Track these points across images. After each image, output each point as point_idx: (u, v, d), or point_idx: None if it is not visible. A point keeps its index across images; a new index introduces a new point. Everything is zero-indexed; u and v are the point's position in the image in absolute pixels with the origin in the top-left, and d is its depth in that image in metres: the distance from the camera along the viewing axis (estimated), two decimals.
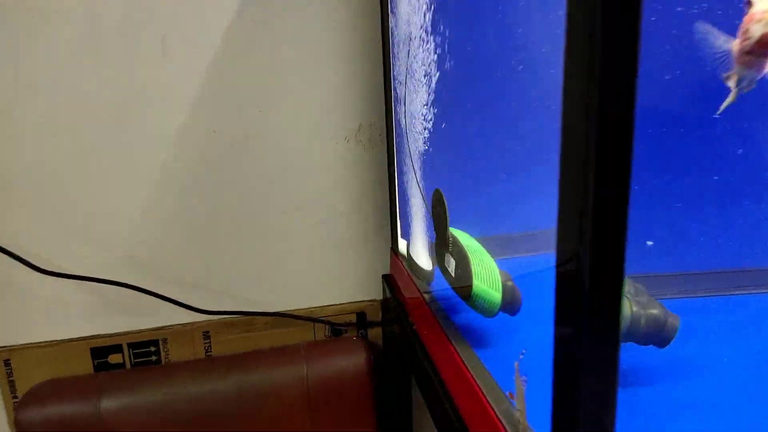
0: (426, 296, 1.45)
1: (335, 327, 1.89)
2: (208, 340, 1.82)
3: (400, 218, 1.66)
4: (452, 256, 1.18)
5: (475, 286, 1.09)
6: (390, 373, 1.89)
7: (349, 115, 1.71)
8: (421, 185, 1.45)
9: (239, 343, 1.85)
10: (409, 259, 1.59)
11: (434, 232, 1.27)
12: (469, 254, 1.12)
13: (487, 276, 1.11)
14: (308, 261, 1.83)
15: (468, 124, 1.08)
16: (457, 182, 1.42)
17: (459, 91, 1.07)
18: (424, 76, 1.27)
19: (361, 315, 1.91)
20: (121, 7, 1.51)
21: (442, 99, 1.19)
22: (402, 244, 1.68)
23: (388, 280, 1.83)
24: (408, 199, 1.58)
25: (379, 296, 1.92)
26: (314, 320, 1.87)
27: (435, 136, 1.29)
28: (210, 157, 1.65)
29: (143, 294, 1.67)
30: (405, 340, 1.64)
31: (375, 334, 1.94)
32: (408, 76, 1.41)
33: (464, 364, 1.14)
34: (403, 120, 1.49)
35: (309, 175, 1.74)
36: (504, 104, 0.85)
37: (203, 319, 1.80)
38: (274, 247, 1.79)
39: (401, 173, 1.60)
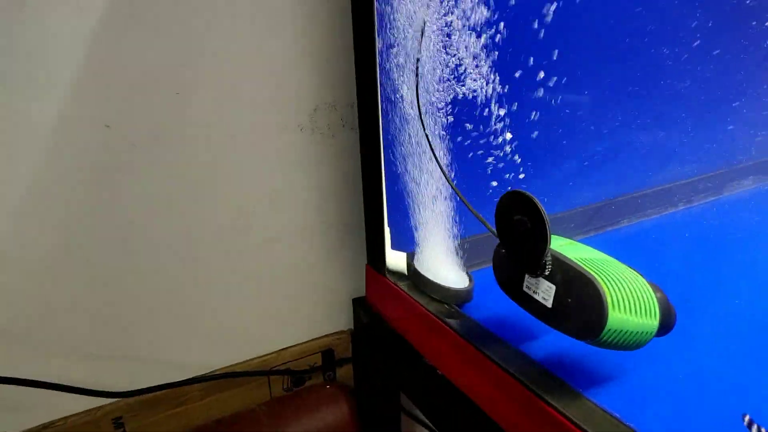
0: (453, 323, 1.10)
1: (296, 375, 1.44)
2: (122, 429, 1.25)
3: (389, 224, 1.27)
4: (550, 279, 0.85)
5: (614, 319, 0.78)
6: (375, 420, 1.50)
7: (303, 95, 1.27)
8: (448, 176, 1.08)
9: (169, 425, 1.31)
10: (415, 275, 1.22)
11: (501, 247, 0.93)
12: (593, 274, 0.80)
13: (629, 298, 0.80)
14: (254, 295, 1.35)
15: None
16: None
17: None
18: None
19: (327, 353, 1.48)
20: None
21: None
22: (395, 258, 1.29)
23: (362, 304, 1.44)
24: (411, 196, 1.20)
25: (349, 325, 1.51)
26: (269, 372, 1.40)
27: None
28: (103, 164, 1.09)
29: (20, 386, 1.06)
30: (407, 382, 1.27)
31: (345, 372, 1.53)
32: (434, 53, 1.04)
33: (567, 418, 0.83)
34: (407, 99, 1.11)
35: (249, 180, 1.26)
36: None
37: (111, 402, 1.23)
38: (206, 283, 1.28)
39: (390, 164, 1.22)
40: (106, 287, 1.15)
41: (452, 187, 1.06)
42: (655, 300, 0.82)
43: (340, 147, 1.34)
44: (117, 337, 1.20)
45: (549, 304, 0.86)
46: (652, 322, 0.82)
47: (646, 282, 0.83)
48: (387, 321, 1.33)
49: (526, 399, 0.92)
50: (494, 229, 0.96)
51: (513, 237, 0.88)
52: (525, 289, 0.90)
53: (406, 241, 1.31)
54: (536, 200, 0.80)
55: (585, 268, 0.81)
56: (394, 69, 1.14)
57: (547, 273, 0.84)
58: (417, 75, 1.05)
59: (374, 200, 1.28)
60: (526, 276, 0.90)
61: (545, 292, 0.86)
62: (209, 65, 1.14)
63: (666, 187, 1.72)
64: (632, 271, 0.84)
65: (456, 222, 1.18)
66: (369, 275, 1.38)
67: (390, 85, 1.16)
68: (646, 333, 0.82)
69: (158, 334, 1.25)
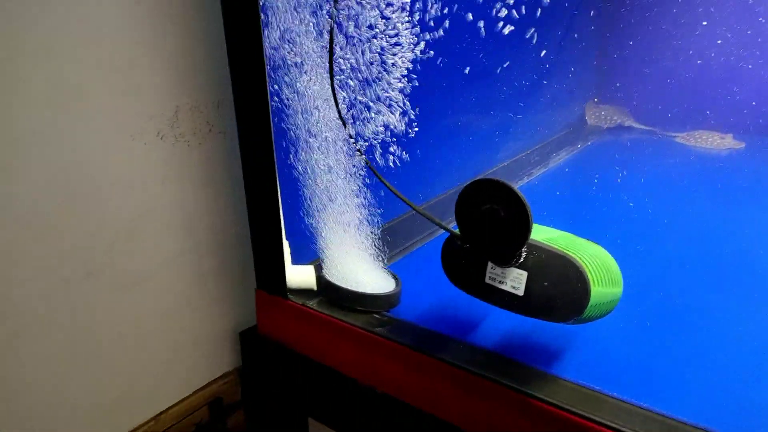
0: (387, 332, 1.01)
1: None
2: None
3: (288, 235, 1.10)
4: (521, 266, 0.80)
5: (596, 293, 0.77)
6: None
7: (159, 95, 1.01)
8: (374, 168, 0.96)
9: None
10: (329, 289, 1.08)
11: (457, 240, 0.85)
12: (570, 254, 0.78)
13: (602, 270, 0.80)
14: (116, 356, 1.05)
15: None
16: None
17: None
18: None
19: (215, 404, 1.23)
20: None
21: None
22: (296, 274, 1.12)
23: (253, 337, 1.23)
24: (310, 196, 1.05)
25: (236, 363, 1.28)
26: None
27: None
28: None
29: None
30: (327, 413, 1.13)
31: (236, 420, 1.29)
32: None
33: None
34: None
35: (98, 208, 0.96)
36: None
37: None
38: (43, 354, 0.94)
39: (289, 167, 1.05)
40: None
41: (379, 178, 0.95)
42: (617, 267, 0.84)
43: (208, 155, 1.11)
44: None
45: (520, 291, 0.82)
46: (620, 289, 0.84)
47: (606, 251, 0.85)
48: (293, 349, 1.15)
49: (488, 389, 0.87)
50: (443, 223, 0.89)
51: (480, 228, 0.81)
52: (488, 281, 0.85)
53: (307, 252, 1.16)
54: (514, 187, 0.75)
55: (558, 247, 0.79)
56: (282, 63, 0.98)
57: (521, 260, 0.80)
58: (331, 68, 0.91)
59: (266, 212, 1.09)
60: (489, 267, 0.84)
61: (515, 280, 0.82)
62: (38, 58, 0.83)
63: (506, 164, 1.86)
64: (593, 243, 0.86)
65: (368, 211, 1.07)
66: (261, 301, 1.18)
67: (280, 80, 0.99)
68: (616, 300, 0.84)
69: None
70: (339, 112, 0.95)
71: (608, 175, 1.84)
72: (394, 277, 1.11)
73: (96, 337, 1.01)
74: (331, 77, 0.92)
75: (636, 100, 2.25)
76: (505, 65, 1.72)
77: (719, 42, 2.06)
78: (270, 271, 1.14)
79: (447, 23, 1.12)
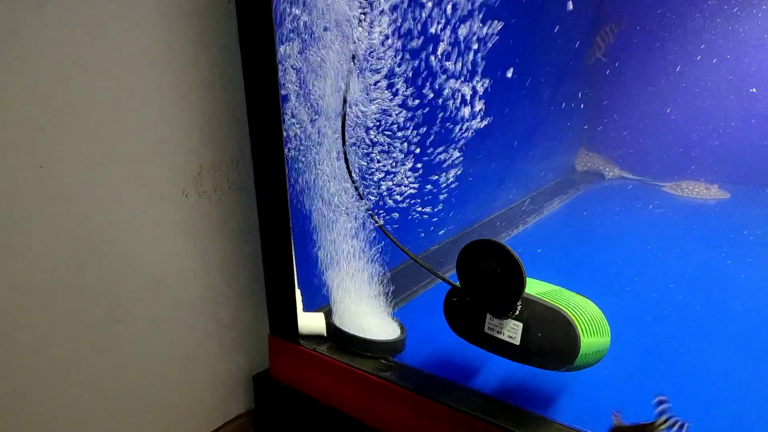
0: (393, 377, 1.08)
1: None
2: None
3: (300, 285, 1.18)
4: (516, 318, 0.88)
5: (585, 344, 0.85)
6: None
7: (186, 156, 1.11)
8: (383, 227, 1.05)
9: None
10: (339, 335, 1.15)
11: (457, 294, 0.93)
12: (560, 307, 0.86)
13: (590, 322, 0.88)
14: (136, 394, 1.12)
15: None
16: None
17: None
18: None
19: None
20: None
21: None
22: (307, 321, 1.20)
23: (266, 380, 1.29)
24: (322, 249, 1.14)
25: (248, 406, 1.34)
26: None
27: None
28: None
29: None
30: None
31: None
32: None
33: None
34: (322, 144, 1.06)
35: (126, 259, 1.05)
36: None
37: None
38: (66, 387, 1.01)
39: (301, 219, 1.14)
40: None
41: (390, 238, 1.05)
42: (605, 320, 0.92)
43: (227, 210, 1.20)
44: None
45: (516, 341, 0.90)
46: (608, 339, 0.92)
47: (593, 304, 0.94)
48: (304, 392, 1.22)
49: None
50: (448, 279, 0.98)
51: (479, 283, 0.90)
52: (487, 330, 0.93)
53: (317, 299, 1.24)
54: (509, 248, 0.84)
55: (551, 301, 0.87)
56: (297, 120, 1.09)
57: (517, 313, 0.89)
58: (344, 120, 1.01)
59: (279, 262, 1.17)
60: (488, 318, 0.93)
61: (511, 330, 0.90)
62: (73, 121, 0.93)
63: (503, 211, 1.95)
64: (581, 296, 0.94)
65: (376, 263, 1.16)
66: (274, 346, 1.25)
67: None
68: (605, 350, 0.92)
69: None
70: (350, 174, 1.05)
71: (599, 222, 1.94)
72: (400, 325, 1.19)
73: (117, 380, 1.08)
74: (343, 141, 1.02)
75: (623, 150, 2.37)
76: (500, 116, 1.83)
77: (705, 93, 2.19)
78: (283, 318, 1.21)
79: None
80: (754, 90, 2.11)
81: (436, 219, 1.56)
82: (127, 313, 1.07)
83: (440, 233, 1.70)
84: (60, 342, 0.97)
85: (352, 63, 1.02)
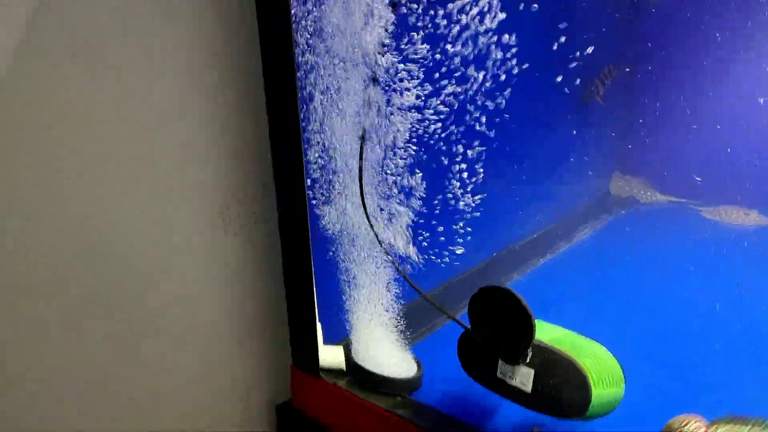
0: (409, 415, 1.09)
1: None
2: None
3: (321, 317, 1.21)
4: (528, 364, 0.88)
5: (597, 395, 0.84)
6: None
7: (216, 192, 1.16)
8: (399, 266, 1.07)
9: None
10: (357, 370, 1.17)
11: (469, 337, 0.94)
12: (572, 356, 0.86)
13: (603, 372, 0.87)
14: (161, 419, 1.16)
15: None
16: None
17: None
18: None
19: None
20: None
21: None
22: (328, 354, 1.22)
23: (288, 411, 1.32)
24: (342, 284, 1.17)
25: None
26: None
27: None
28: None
29: None
30: None
31: None
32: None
33: None
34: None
35: (159, 293, 1.10)
36: None
37: None
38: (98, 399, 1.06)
39: (323, 252, 1.17)
40: None
41: (406, 279, 1.06)
42: (620, 368, 0.91)
43: (252, 243, 1.24)
44: None
45: (528, 389, 0.90)
46: (622, 388, 0.91)
47: (608, 352, 0.93)
48: (324, 424, 1.24)
49: None
50: (462, 322, 0.98)
51: (490, 329, 0.91)
52: (499, 375, 0.93)
53: (337, 332, 1.26)
54: (519, 295, 0.84)
55: (563, 350, 0.87)
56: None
57: (528, 361, 0.89)
58: (361, 156, 1.04)
59: (301, 295, 1.20)
60: (500, 363, 0.93)
61: (523, 377, 0.90)
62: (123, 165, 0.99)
63: (533, 238, 1.93)
64: (595, 343, 0.93)
65: (395, 299, 1.17)
66: (296, 377, 1.28)
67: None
68: (618, 399, 0.91)
69: None
70: (367, 215, 1.07)
71: (633, 251, 1.88)
72: (417, 362, 1.20)
73: (137, 406, 1.13)
74: (361, 187, 1.05)
75: (660, 172, 2.30)
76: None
77: (746, 112, 2.10)
78: (304, 351, 1.24)
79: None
80: None
81: (459, 249, 1.56)
82: (151, 337, 1.12)
83: (458, 265, 1.67)
84: (102, 355, 1.03)
85: (372, 89, 1.04)
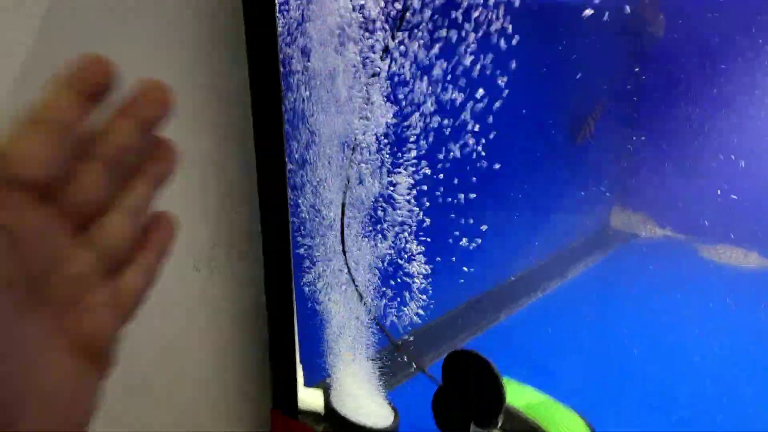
0: None
1: None
2: None
3: (301, 358, 1.20)
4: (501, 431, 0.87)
5: None
6: None
7: (201, 233, 1.16)
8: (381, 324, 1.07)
9: None
10: (334, 417, 1.17)
11: (444, 397, 0.93)
12: (544, 429, 0.85)
13: None
14: None
15: None
16: None
17: None
18: None
19: None
20: None
21: None
22: (308, 396, 1.22)
23: None
24: (322, 326, 1.16)
25: None
26: None
27: None
28: None
29: None
30: None
31: None
32: None
33: None
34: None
35: (142, 333, 1.10)
36: None
37: None
38: None
39: (305, 300, 1.17)
40: None
41: (386, 334, 1.06)
42: None
43: (237, 283, 1.24)
44: None
45: None
46: None
47: (581, 420, 0.91)
48: None
49: None
50: (435, 378, 0.98)
51: (462, 391, 0.90)
52: None
53: (316, 374, 1.26)
54: (490, 362, 0.83)
55: (537, 420, 0.86)
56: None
57: (498, 427, 0.87)
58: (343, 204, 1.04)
59: (283, 336, 1.20)
60: (472, 426, 0.92)
61: None
62: None
63: (524, 273, 1.92)
64: (571, 411, 0.92)
65: (372, 346, 1.17)
66: (275, 419, 1.28)
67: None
68: None
69: None
70: (348, 267, 1.07)
71: (622, 292, 1.86)
72: (393, 410, 1.19)
73: None
74: (342, 242, 1.05)
75: (661, 208, 2.28)
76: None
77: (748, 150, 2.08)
78: (283, 393, 1.24)
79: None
80: None
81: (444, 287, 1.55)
82: (132, 378, 1.12)
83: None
84: None
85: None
